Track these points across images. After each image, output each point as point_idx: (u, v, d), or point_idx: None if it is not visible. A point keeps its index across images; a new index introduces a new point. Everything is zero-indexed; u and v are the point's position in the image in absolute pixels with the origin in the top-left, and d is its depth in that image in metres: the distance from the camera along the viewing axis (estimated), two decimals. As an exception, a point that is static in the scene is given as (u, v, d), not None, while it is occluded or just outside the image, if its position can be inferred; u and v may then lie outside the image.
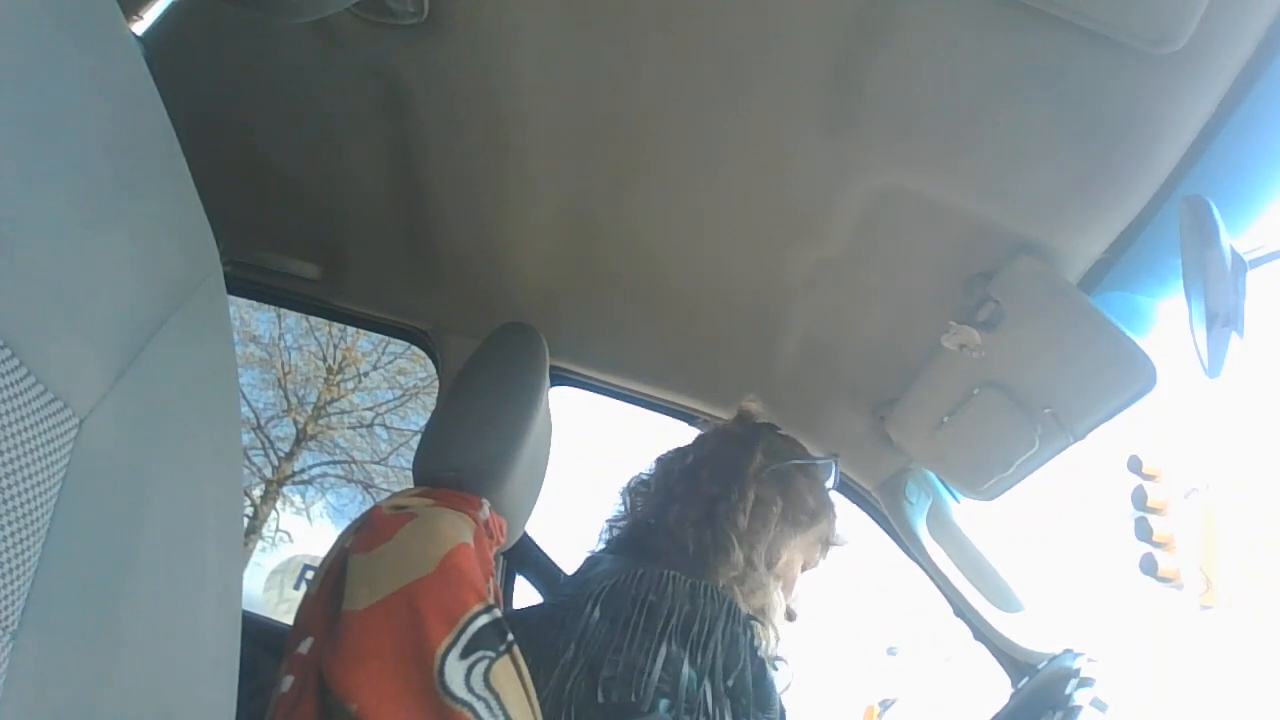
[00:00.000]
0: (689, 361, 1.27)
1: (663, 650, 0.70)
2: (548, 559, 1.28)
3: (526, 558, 1.28)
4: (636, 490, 1.02)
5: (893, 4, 0.72)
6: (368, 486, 7.42)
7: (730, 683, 0.72)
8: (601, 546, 0.99)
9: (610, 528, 1.00)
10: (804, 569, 1.01)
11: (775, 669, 0.86)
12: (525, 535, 1.22)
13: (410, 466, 0.93)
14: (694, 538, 0.89)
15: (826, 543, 1.02)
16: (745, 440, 1.01)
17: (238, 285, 1.32)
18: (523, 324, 1.04)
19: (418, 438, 1.08)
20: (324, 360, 7.68)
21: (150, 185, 0.44)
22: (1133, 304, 0.92)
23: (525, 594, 1.30)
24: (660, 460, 1.03)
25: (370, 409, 7.73)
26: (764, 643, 0.84)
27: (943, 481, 1.28)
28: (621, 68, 0.86)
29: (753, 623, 0.81)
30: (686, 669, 0.70)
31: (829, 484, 1.03)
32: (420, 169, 1.05)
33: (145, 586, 0.41)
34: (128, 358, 0.41)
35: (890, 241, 0.97)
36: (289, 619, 0.83)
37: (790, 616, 0.96)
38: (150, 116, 0.44)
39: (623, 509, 1.02)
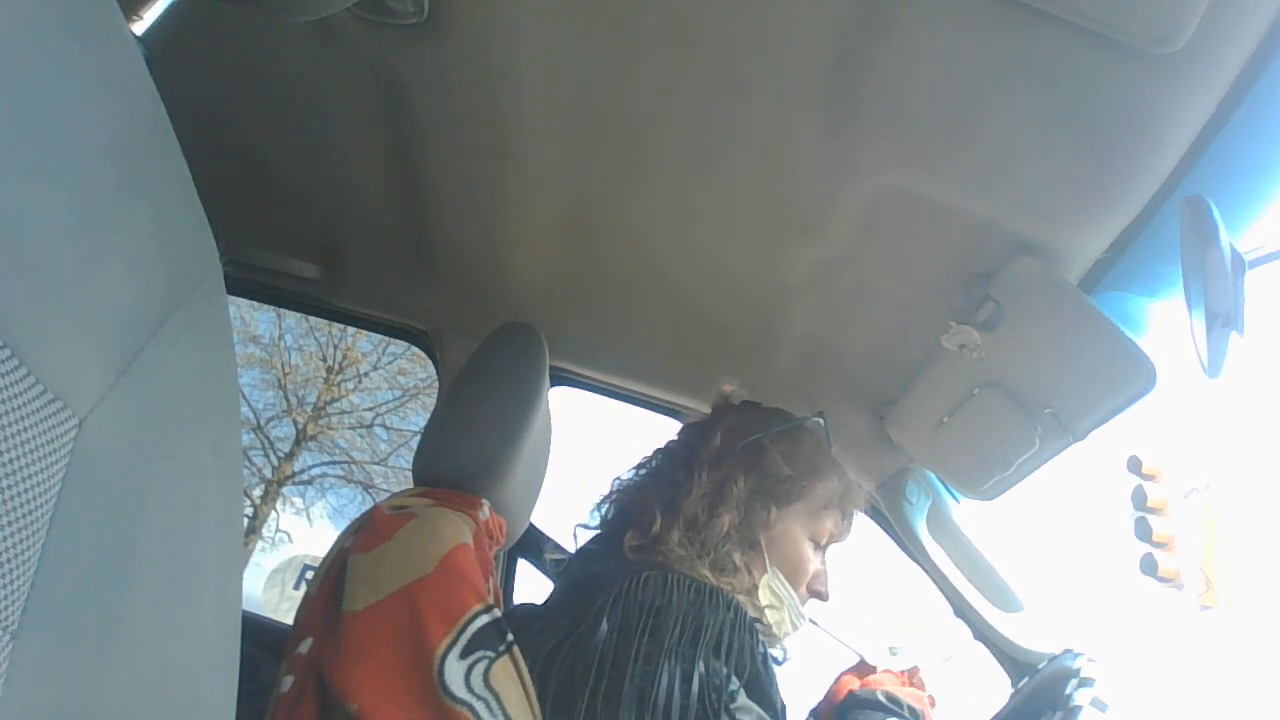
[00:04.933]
0: (689, 361, 1.27)
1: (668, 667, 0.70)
2: (551, 540, 1.28)
3: (529, 542, 1.28)
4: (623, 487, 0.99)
5: (892, 3, 0.72)
6: (368, 487, 7.43)
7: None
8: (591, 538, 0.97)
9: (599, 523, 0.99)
10: (820, 544, 0.94)
11: (777, 661, 0.86)
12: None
13: (410, 466, 0.93)
14: (655, 529, 0.87)
15: (837, 509, 0.94)
16: (707, 424, 0.99)
17: (238, 285, 1.32)
18: (523, 324, 1.04)
19: (418, 438, 1.08)
20: (324, 360, 7.69)
21: (150, 185, 0.44)
22: (1133, 304, 0.92)
23: (527, 581, 1.30)
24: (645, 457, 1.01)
25: (370, 409, 7.74)
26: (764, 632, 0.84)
27: (943, 481, 1.28)
28: (621, 68, 0.86)
29: (758, 624, 0.81)
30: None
31: (817, 446, 0.97)
32: (420, 169, 1.05)
33: (145, 586, 0.41)
34: (128, 358, 0.41)
35: (890, 241, 0.97)
36: (289, 619, 0.83)
37: (821, 597, 0.93)
38: (150, 116, 0.44)
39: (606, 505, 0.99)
